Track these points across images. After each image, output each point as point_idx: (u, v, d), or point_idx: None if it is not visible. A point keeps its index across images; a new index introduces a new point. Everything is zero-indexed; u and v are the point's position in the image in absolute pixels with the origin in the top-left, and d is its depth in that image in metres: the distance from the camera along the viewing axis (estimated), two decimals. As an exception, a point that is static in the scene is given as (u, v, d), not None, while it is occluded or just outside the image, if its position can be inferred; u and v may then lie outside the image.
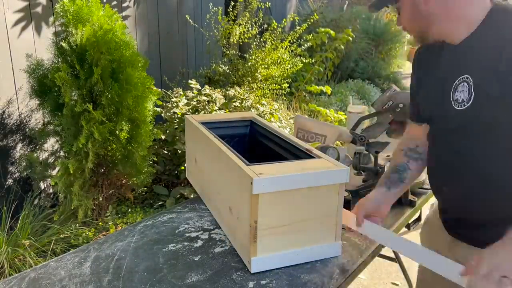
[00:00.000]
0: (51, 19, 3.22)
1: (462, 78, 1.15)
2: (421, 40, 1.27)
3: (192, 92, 3.80)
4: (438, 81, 1.24)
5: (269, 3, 5.01)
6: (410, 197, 1.86)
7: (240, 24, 4.48)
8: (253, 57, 4.51)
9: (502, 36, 1.09)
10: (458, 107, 1.16)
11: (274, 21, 4.73)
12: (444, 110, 1.20)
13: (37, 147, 3.15)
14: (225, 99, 3.82)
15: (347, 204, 1.76)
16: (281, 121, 3.97)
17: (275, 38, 4.60)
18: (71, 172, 2.66)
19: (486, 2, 1.13)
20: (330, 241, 1.42)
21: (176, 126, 3.55)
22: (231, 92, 3.93)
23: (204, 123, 1.83)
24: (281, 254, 1.37)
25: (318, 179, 1.34)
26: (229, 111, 3.68)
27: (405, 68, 11.86)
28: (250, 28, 4.52)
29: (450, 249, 1.28)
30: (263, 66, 4.53)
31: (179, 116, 3.56)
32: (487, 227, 1.17)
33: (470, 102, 1.13)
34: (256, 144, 1.95)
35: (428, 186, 2.02)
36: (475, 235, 1.22)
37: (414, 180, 1.49)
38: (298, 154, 1.59)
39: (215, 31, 4.54)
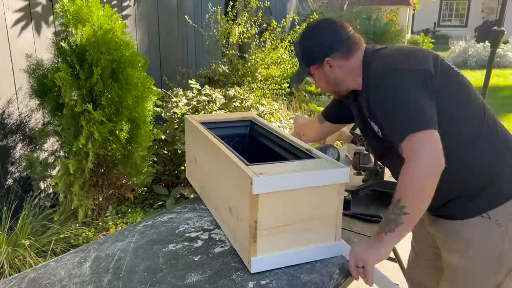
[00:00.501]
0: (51, 19, 3.22)
1: (368, 118, 1.47)
2: (338, 96, 1.60)
3: (192, 92, 3.80)
4: (363, 119, 1.52)
5: (268, 3, 5.01)
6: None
7: (239, 24, 4.48)
8: (253, 57, 4.51)
9: (367, 84, 1.43)
10: (379, 135, 1.45)
11: (273, 20, 4.73)
12: (372, 135, 1.50)
13: (37, 147, 3.15)
14: (225, 99, 3.82)
15: (347, 204, 1.76)
16: (281, 121, 3.97)
17: (275, 38, 4.60)
18: (71, 172, 2.66)
19: (360, 56, 1.48)
20: (330, 241, 1.42)
21: (176, 126, 3.55)
22: (231, 92, 3.93)
23: (203, 123, 1.83)
24: (281, 254, 1.37)
25: (318, 179, 1.33)
26: (229, 111, 3.68)
27: (405, 68, 11.76)
28: (249, 28, 4.51)
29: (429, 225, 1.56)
30: (263, 66, 4.53)
31: (179, 116, 3.56)
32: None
33: (380, 132, 1.44)
34: (255, 144, 1.95)
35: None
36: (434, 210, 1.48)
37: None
38: (298, 154, 1.59)
39: (214, 31, 4.54)
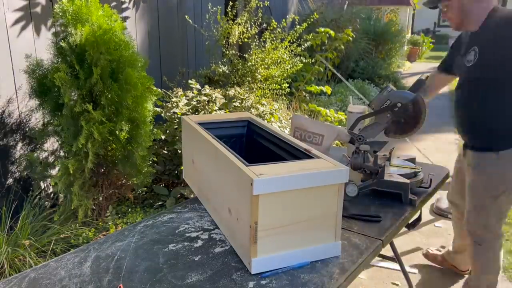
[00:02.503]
0: (51, 19, 3.22)
1: (472, 48, 2.03)
2: (456, 28, 2.07)
3: (192, 92, 3.80)
4: (461, 49, 2.16)
5: (268, 2, 5.01)
6: (410, 196, 1.86)
7: (239, 24, 4.48)
8: (253, 57, 4.51)
9: (495, 26, 1.95)
10: (467, 64, 2.06)
11: (273, 20, 4.73)
12: (461, 66, 2.13)
13: (37, 147, 3.15)
14: (225, 99, 3.83)
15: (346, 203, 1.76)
16: (281, 121, 3.97)
17: (274, 38, 4.60)
18: (71, 172, 2.66)
19: (488, 8, 1.98)
20: (330, 241, 1.42)
21: (176, 126, 3.55)
22: (231, 92, 3.93)
23: (201, 124, 1.83)
24: (281, 255, 1.37)
25: (318, 179, 1.34)
26: (229, 111, 3.69)
27: (405, 68, 11.84)
28: (249, 28, 4.52)
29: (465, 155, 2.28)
30: (263, 66, 4.53)
31: (179, 116, 3.57)
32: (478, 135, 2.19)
33: (473, 62, 2.02)
34: (253, 144, 1.95)
35: (426, 185, 2.03)
36: (473, 143, 2.21)
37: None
38: (297, 154, 1.59)
39: (214, 31, 4.54)
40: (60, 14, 2.69)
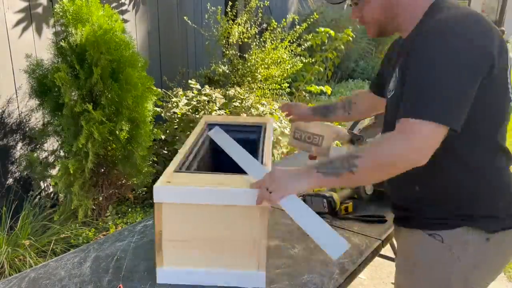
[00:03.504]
0: (51, 19, 3.22)
1: (395, 70, 1.23)
2: (379, 34, 1.25)
3: (192, 92, 3.80)
4: (389, 65, 1.37)
5: (268, 2, 5.00)
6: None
7: (239, 24, 4.48)
8: (253, 57, 4.51)
9: (420, 31, 1.11)
10: (388, 96, 1.26)
11: (273, 20, 4.73)
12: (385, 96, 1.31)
13: (37, 147, 3.15)
14: (225, 99, 3.82)
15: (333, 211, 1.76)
16: (281, 121, 3.97)
17: (275, 38, 4.60)
18: (71, 172, 2.66)
19: (426, 4, 1.15)
20: (252, 268, 1.27)
21: (176, 126, 3.55)
22: (231, 92, 3.93)
23: (219, 125, 1.80)
24: (190, 271, 1.29)
25: (232, 197, 1.21)
26: (229, 111, 3.69)
27: (405, 68, 11.77)
28: (249, 28, 4.52)
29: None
30: (263, 66, 4.53)
31: (179, 116, 3.57)
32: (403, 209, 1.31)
33: (392, 92, 1.22)
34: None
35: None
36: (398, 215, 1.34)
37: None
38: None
39: (214, 31, 4.54)
40: (61, 14, 2.69)
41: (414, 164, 1.04)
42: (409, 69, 1.08)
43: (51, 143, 3.20)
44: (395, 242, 2.38)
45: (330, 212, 1.70)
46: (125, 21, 3.85)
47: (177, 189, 1.22)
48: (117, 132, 2.71)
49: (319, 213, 1.60)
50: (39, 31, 3.15)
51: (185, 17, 4.47)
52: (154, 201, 1.23)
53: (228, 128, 1.78)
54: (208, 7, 4.53)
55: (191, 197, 1.22)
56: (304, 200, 1.68)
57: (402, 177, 1.08)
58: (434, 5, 1.14)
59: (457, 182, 1.16)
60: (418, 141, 1.02)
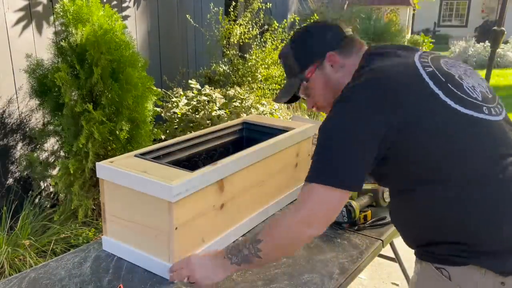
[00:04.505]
0: (51, 18, 3.22)
1: None
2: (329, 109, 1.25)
3: (192, 92, 3.80)
4: None
5: (270, 4, 5.01)
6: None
7: (240, 25, 4.48)
8: (253, 57, 4.51)
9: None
10: None
11: (274, 21, 4.73)
12: None
13: (37, 147, 3.15)
14: (225, 99, 3.83)
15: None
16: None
17: (275, 38, 4.60)
18: (71, 172, 2.66)
19: (354, 66, 1.20)
20: (163, 259, 1.33)
21: (176, 126, 3.55)
22: (231, 92, 3.93)
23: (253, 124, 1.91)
24: (125, 246, 1.41)
25: (146, 187, 1.28)
26: (229, 111, 3.69)
27: (405, 68, 11.75)
28: (250, 29, 4.52)
29: None
30: (263, 66, 4.53)
31: (179, 116, 3.57)
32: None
33: None
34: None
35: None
36: None
37: None
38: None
39: (215, 31, 4.54)
40: (61, 14, 2.69)
41: (310, 236, 1.10)
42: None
43: (51, 143, 3.20)
44: (395, 242, 2.38)
45: (349, 221, 1.62)
46: (124, 18, 3.85)
47: (113, 170, 1.35)
48: (117, 132, 2.71)
49: (338, 223, 1.61)
50: (39, 30, 3.15)
51: (187, 15, 4.48)
52: (97, 176, 1.40)
53: (257, 128, 1.88)
54: (211, 7, 4.52)
55: (120, 179, 1.35)
56: None
57: (398, 223, 1.17)
58: (363, 63, 1.19)
59: (447, 220, 1.06)
60: (309, 209, 1.06)
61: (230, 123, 1.93)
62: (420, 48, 1.32)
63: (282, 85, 1.34)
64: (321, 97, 1.27)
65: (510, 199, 1.03)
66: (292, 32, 1.33)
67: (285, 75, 1.34)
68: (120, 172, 1.34)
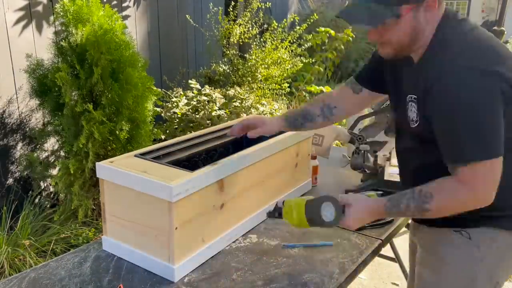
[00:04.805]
0: (52, 18, 3.22)
1: (411, 97, 1.20)
2: (395, 55, 1.21)
3: (192, 92, 3.80)
4: (399, 93, 1.27)
5: (269, 3, 5.01)
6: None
7: (240, 24, 4.48)
8: (253, 57, 4.51)
9: (433, 71, 1.11)
10: (412, 125, 1.21)
11: (274, 21, 4.73)
12: (403, 123, 1.27)
13: (37, 147, 3.15)
14: (225, 99, 3.83)
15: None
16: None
17: (275, 38, 4.60)
18: (72, 172, 2.66)
19: (433, 28, 1.15)
20: (164, 259, 1.33)
21: (176, 126, 3.55)
22: (231, 92, 3.93)
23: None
24: (125, 246, 1.42)
25: (146, 187, 1.29)
26: (229, 111, 3.69)
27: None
28: (250, 28, 4.52)
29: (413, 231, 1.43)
30: (263, 66, 4.53)
31: (179, 116, 3.57)
32: None
33: (417, 123, 1.19)
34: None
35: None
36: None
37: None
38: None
39: (215, 31, 4.54)
40: (61, 14, 2.69)
41: (484, 205, 1.11)
42: (439, 116, 1.10)
43: (51, 143, 3.20)
44: (395, 242, 2.38)
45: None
46: (124, 18, 3.85)
47: (113, 170, 1.35)
48: (117, 132, 2.71)
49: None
50: (39, 30, 3.15)
51: (187, 16, 4.48)
52: (97, 176, 1.39)
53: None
54: (211, 7, 4.53)
55: (120, 179, 1.35)
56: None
57: (425, 181, 1.14)
58: (446, 17, 1.15)
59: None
60: (482, 188, 1.09)
61: (230, 123, 1.93)
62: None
63: (353, 2, 1.16)
64: (398, 40, 1.15)
65: None
66: (301, 28, 1.16)
67: None
68: (120, 172, 1.34)
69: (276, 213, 1.35)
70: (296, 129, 1.57)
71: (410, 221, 1.40)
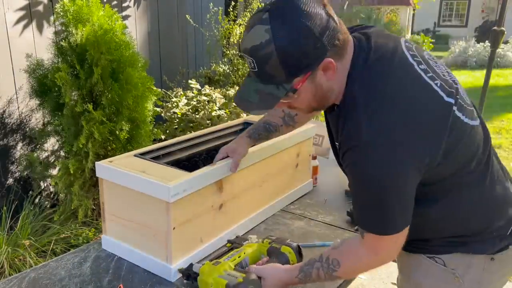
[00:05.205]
0: (52, 18, 3.22)
1: (337, 138, 1.11)
2: (311, 112, 1.18)
3: (192, 92, 3.80)
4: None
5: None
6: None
7: (240, 24, 4.48)
8: (253, 57, 4.50)
9: (343, 133, 1.03)
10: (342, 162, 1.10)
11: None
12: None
13: (37, 147, 3.15)
14: (225, 99, 3.83)
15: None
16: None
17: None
18: (71, 172, 2.66)
19: (344, 72, 1.03)
20: (162, 259, 1.33)
21: (176, 126, 3.55)
22: (231, 92, 3.93)
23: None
24: (124, 246, 1.42)
25: (144, 186, 1.29)
26: (229, 111, 3.69)
27: (405, 68, 11.76)
28: (250, 28, 4.52)
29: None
30: (263, 66, 4.53)
31: (179, 116, 3.57)
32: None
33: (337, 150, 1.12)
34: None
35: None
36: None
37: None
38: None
39: (215, 31, 4.54)
40: (61, 14, 2.69)
41: (388, 262, 1.12)
42: (350, 180, 1.05)
43: (51, 143, 3.20)
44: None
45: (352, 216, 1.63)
46: (124, 18, 3.85)
47: (112, 169, 1.36)
48: (117, 132, 2.71)
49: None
50: (39, 30, 3.15)
51: (187, 16, 4.48)
52: (97, 175, 1.40)
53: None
54: (211, 7, 4.53)
55: (119, 179, 1.35)
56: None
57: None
58: (355, 60, 1.03)
59: (443, 219, 1.12)
60: (386, 253, 1.09)
61: (231, 123, 1.94)
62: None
63: (243, 85, 1.07)
64: (307, 105, 1.07)
65: (496, 197, 1.14)
66: (259, 14, 0.96)
67: (255, 75, 1.00)
68: (119, 171, 1.34)
69: (188, 274, 1.29)
70: (261, 142, 1.55)
71: None
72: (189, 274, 1.27)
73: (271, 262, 1.31)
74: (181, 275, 1.32)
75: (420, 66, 1.04)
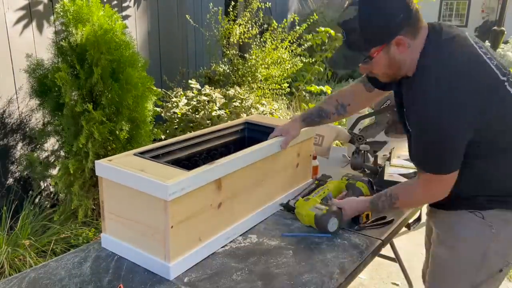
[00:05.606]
0: (52, 18, 3.22)
1: (405, 104, 1.35)
2: (390, 80, 1.40)
3: (192, 92, 3.80)
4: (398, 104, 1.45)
5: (269, 3, 5.01)
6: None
7: (240, 24, 4.48)
8: (253, 57, 4.51)
9: (411, 95, 1.30)
10: (410, 128, 1.34)
11: (274, 21, 4.73)
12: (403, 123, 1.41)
13: (37, 146, 3.15)
14: (225, 99, 3.83)
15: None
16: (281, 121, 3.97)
17: (275, 38, 4.60)
18: (71, 172, 2.66)
19: (419, 47, 1.29)
20: (160, 258, 1.33)
21: (176, 126, 3.55)
22: (231, 92, 3.93)
23: (255, 124, 1.93)
24: (124, 245, 1.42)
25: (143, 185, 1.30)
26: (229, 111, 3.69)
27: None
28: (250, 28, 4.52)
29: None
30: (263, 66, 4.53)
31: (179, 116, 3.57)
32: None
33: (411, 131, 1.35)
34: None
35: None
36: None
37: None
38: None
39: (215, 31, 4.54)
40: (61, 13, 2.69)
41: (438, 200, 1.38)
42: (413, 129, 1.30)
43: (51, 143, 3.20)
44: (395, 242, 2.38)
45: (353, 218, 1.64)
46: (124, 18, 3.85)
47: (111, 168, 1.37)
48: (117, 132, 2.71)
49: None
50: (39, 30, 3.15)
51: (187, 16, 4.48)
52: (96, 174, 1.41)
53: (260, 128, 1.89)
54: (211, 7, 4.53)
55: (118, 177, 1.36)
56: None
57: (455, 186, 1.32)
58: (428, 41, 1.28)
59: (487, 175, 1.34)
60: (435, 191, 1.36)
61: (232, 122, 1.94)
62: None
63: (335, 51, 1.37)
64: (381, 72, 1.35)
65: None
66: (301, 28, 1.35)
67: (344, 43, 1.31)
68: (118, 170, 1.35)
69: (288, 208, 1.71)
70: (313, 125, 1.81)
71: (427, 207, 1.59)
72: (290, 207, 1.68)
73: (349, 195, 1.69)
74: (179, 273, 1.33)
75: (481, 49, 1.32)
